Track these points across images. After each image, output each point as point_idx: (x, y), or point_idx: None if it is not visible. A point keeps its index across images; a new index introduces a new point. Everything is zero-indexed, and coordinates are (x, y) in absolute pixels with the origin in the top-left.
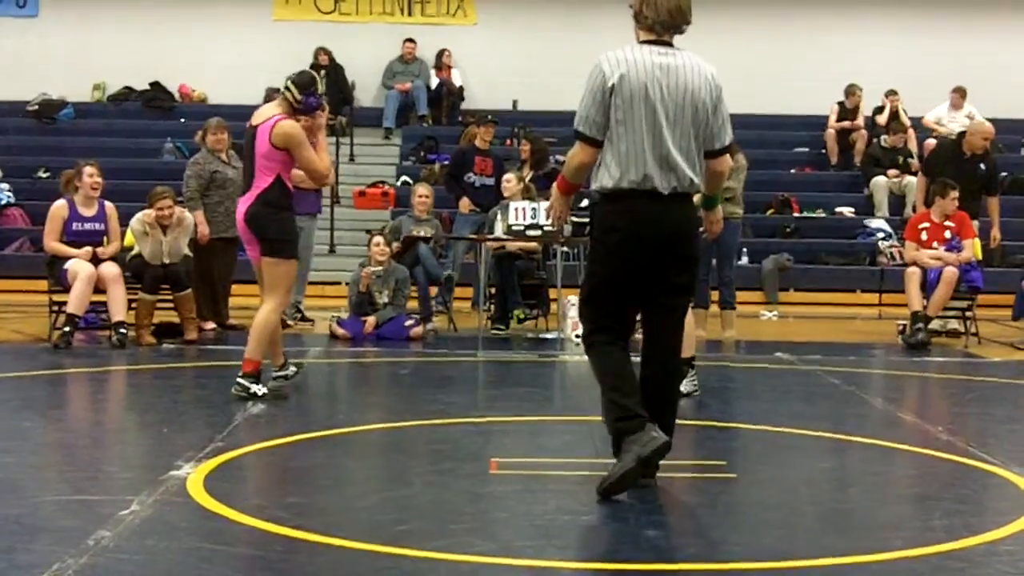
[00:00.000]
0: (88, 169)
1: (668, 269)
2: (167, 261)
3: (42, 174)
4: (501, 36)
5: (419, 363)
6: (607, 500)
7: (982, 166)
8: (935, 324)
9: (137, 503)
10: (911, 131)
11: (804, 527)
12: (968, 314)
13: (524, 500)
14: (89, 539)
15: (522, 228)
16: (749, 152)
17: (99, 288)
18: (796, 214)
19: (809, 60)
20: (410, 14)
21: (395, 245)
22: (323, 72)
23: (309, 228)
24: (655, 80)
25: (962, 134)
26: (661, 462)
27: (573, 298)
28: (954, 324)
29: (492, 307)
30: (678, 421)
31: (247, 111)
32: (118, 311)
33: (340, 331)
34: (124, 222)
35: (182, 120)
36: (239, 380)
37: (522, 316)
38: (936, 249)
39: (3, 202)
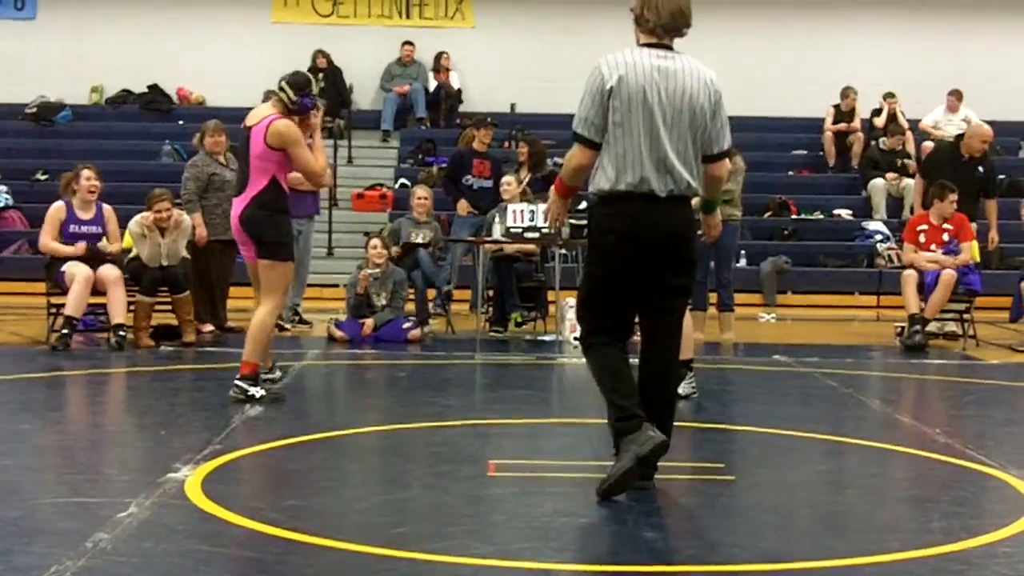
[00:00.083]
0: (86, 172)
1: (665, 271)
2: (165, 263)
3: (40, 177)
4: (499, 39)
5: (417, 365)
6: (605, 502)
7: (980, 169)
8: (933, 326)
9: (135, 505)
10: (909, 133)
11: (802, 529)
12: (966, 316)
13: (522, 502)
14: (87, 541)
15: (520, 230)
16: (747, 155)
17: (99, 290)
18: (794, 216)
19: (807, 63)
20: (408, 17)
21: (394, 250)
22: (321, 75)
23: (307, 230)
24: (653, 83)
25: (960, 136)
26: (659, 464)
27: (571, 300)
28: (952, 326)
29: (490, 309)
30: (676, 423)
31: (245, 114)
32: (117, 313)
33: (338, 333)
34: (122, 224)
35: (180, 123)
36: (237, 383)
37: (520, 319)
38: (934, 251)
39: (1, 204)
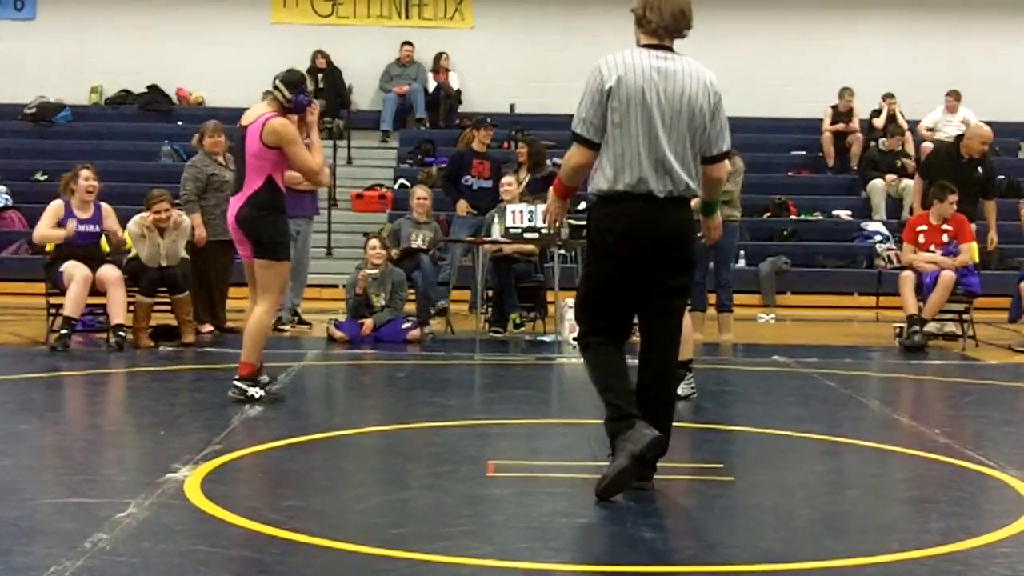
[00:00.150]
0: (84, 172)
1: (664, 272)
2: (164, 264)
3: (39, 177)
4: (498, 39)
5: (416, 366)
6: (604, 502)
7: (979, 169)
8: (932, 327)
9: (134, 506)
10: (908, 134)
11: (801, 530)
12: (965, 317)
13: (521, 503)
14: (86, 542)
15: (519, 231)
16: (746, 155)
17: (99, 291)
18: (793, 217)
19: (806, 64)
20: (407, 17)
21: (394, 252)
22: (321, 75)
23: (306, 231)
24: (652, 84)
25: (960, 137)
26: (659, 464)
27: (570, 301)
28: (951, 327)
29: (489, 310)
30: (675, 424)
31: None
32: (117, 314)
33: (338, 334)
34: (122, 225)
35: (179, 123)
36: (236, 383)
37: (519, 319)
38: (933, 252)
39: (1, 205)
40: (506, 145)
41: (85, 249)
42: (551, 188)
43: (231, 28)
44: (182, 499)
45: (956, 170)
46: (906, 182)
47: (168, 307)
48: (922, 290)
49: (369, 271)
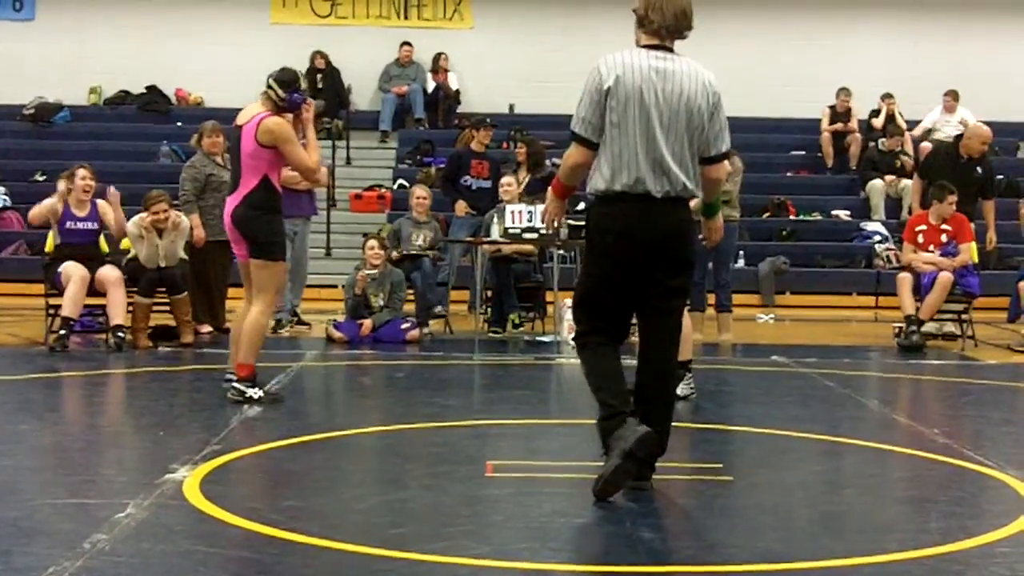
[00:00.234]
0: (81, 172)
1: (662, 272)
2: (163, 264)
3: (38, 178)
4: (497, 40)
5: (415, 366)
6: (603, 502)
7: (979, 169)
8: (931, 327)
9: (133, 506)
10: (907, 134)
11: (800, 529)
12: (964, 317)
13: (520, 503)
14: (85, 542)
15: (518, 231)
16: (745, 155)
17: (98, 291)
18: (792, 217)
19: (805, 64)
20: (406, 18)
21: (394, 254)
22: (320, 75)
23: (303, 231)
24: (650, 84)
25: (959, 137)
26: (657, 464)
27: (569, 301)
28: (950, 327)
29: (488, 310)
30: (674, 424)
31: None
32: (117, 314)
33: (337, 334)
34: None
35: (178, 123)
36: (234, 385)
37: (518, 319)
38: (932, 252)
39: None
40: (505, 145)
41: (83, 249)
42: (550, 188)
43: (230, 28)
44: (181, 499)
45: (955, 170)
46: (905, 182)
47: (167, 307)
48: (920, 290)
49: (368, 271)
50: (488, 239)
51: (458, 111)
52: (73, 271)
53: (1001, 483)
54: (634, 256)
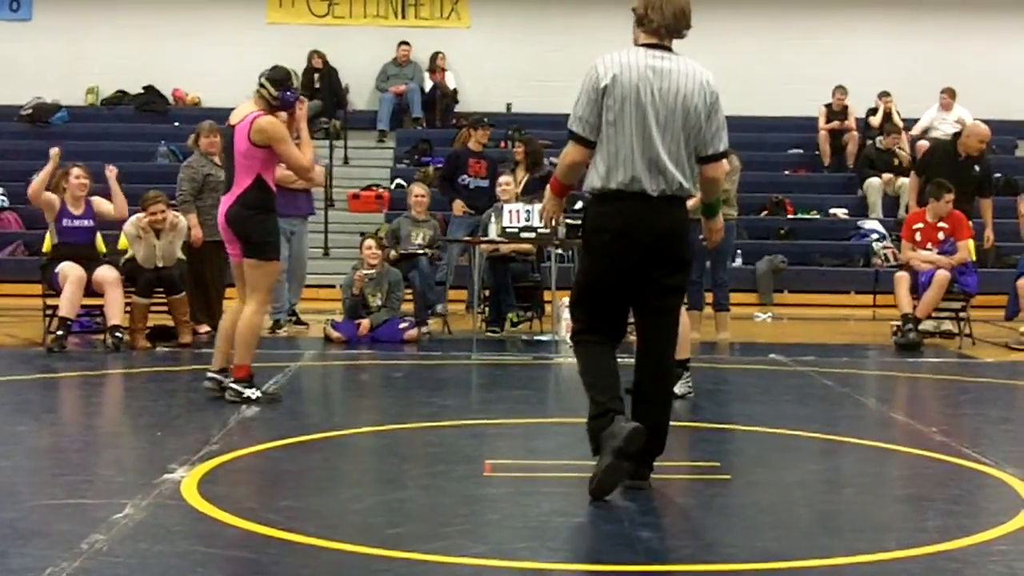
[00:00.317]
0: (75, 171)
1: (658, 270)
2: (161, 265)
3: (36, 178)
4: (495, 39)
5: (413, 366)
6: (600, 501)
7: (976, 168)
8: (929, 325)
9: (131, 507)
10: (904, 133)
11: (798, 528)
12: (962, 315)
13: (518, 502)
14: (83, 543)
15: (516, 230)
16: (743, 154)
17: (96, 292)
18: (790, 216)
19: (803, 62)
20: (404, 17)
21: (392, 254)
22: (317, 75)
23: (301, 231)
24: (647, 83)
25: (957, 135)
26: (655, 463)
27: (567, 300)
28: (948, 325)
29: (486, 309)
30: (672, 423)
31: None
32: (114, 315)
33: (335, 334)
34: (118, 226)
35: (176, 123)
36: (232, 386)
37: (516, 318)
38: (930, 250)
39: None
40: (503, 144)
41: (81, 249)
42: (548, 186)
43: (227, 28)
44: (179, 500)
45: (953, 168)
46: (902, 180)
47: (165, 308)
48: (918, 289)
49: (365, 271)
50: (486, 238)
51: (456, 110)
52: (70, 271)
53: (999, 481)
54: (630, 255)
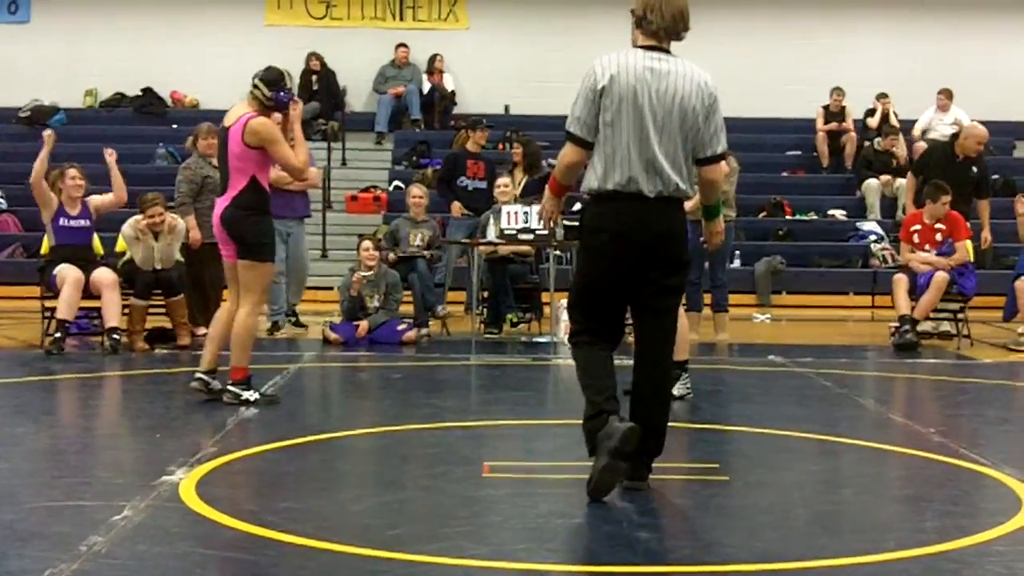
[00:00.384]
0: (71, 172)
1: (656, 271)
2: (159, 267)
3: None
4: (493, 40)
5: (412, 367)
6: (599, 502)
7: (974, 169)
8: (928, 326)
9: (130, 508)
10: (900, 135)
11: (797, 529)
12: (960, 316)
13: (517, 503)
14: (81, 544)
15: (514, 232)
16: (741, 155)
17: (94, 294)
18: (788, 217)
19: (800, 63)
20: (402, 19)
21: (391, 256)
22: (315, 77)
23: (298, 232)
24: (644, 84)
25: (955, 136)
26: (654, 464)
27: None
28: (946, 326)
29: (485, 311)
30: (671, 424)
31: None
32: (112, 317)
33: (333, 336)
34: (116, 228)
35: (174, 126)
36: (229, 388)
37: (515, 320)
38: (928, 251)
39: None
40: (501, 146)
41: (78, 250)
42: (547, 186)
43: (225, 31)
44: (177, 502)
45: (951, 169)
46: (900, 181)
47: (163, 310)
48: (917, 290)
49: (363, 273)
50: (484, 240)
51: (454, 112)
52: (68, 273)
53: (997, 482)
54: (628, 255)
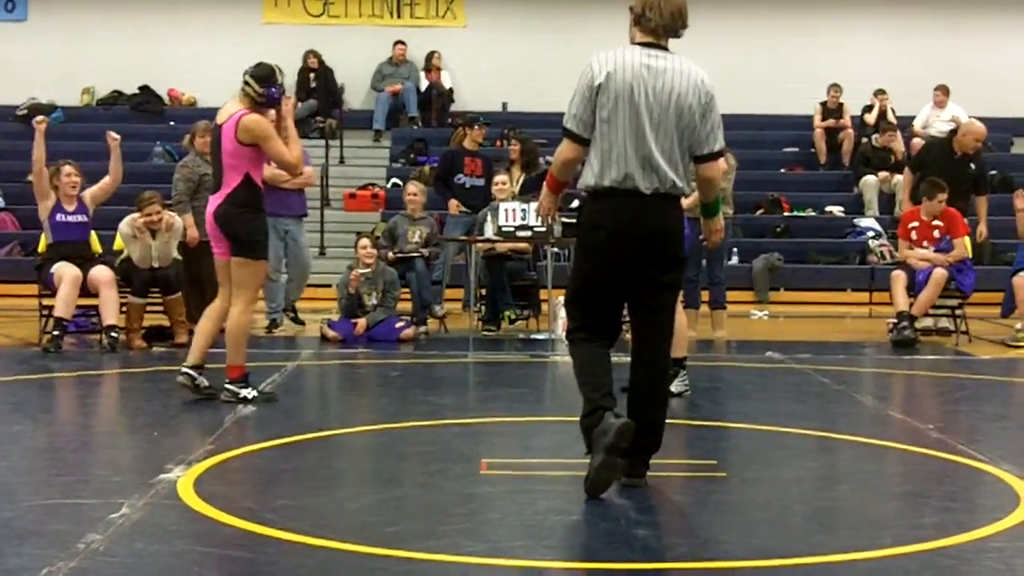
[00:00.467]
0: (66, 168)
1: (652, 267)
2: (156, 265)
3: (31, 179)
4: (490, 38)
5: (410, 364)
6: (596, 499)
7: (972, 165)
8: (926, 322)
9: (127, 506)
10: (898, 132)
11: (794, 525)
12: (958, 312)
13: (514, 500)
14: (79, 542)
15: (512, 229)
16: (739, 152)
17: (92, 292)
18: (786, 213)
19: (798, 60)
20: (399, 16)
21: (389, 255)
22: (312, 75)
23: (295, 230)
24: (641, 81)
25: (953, 132)
26: (652, 461)
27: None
28: (944, 322)
29: (483, 308)
30: (669, 421)
31: None
32: (110, 315)
33: (331, 333)
34: (114, 226)
35: (171, 124)
36: (226, 387)
37: (513, 317)
38: (926, 248)
39: None
40: (498, 144)
41: (76, 248)
42: (544, 182)
43: (223, 28)
44: (175, 499)
45: (948, 165)
46: (898, 178)
47: (160, 308)
48: (915, 287)
49: (361, 270)
50: (482, 237)
51: (451, 109)
52: (65, 271)
53: (995, 478)
54: (625, 252)
